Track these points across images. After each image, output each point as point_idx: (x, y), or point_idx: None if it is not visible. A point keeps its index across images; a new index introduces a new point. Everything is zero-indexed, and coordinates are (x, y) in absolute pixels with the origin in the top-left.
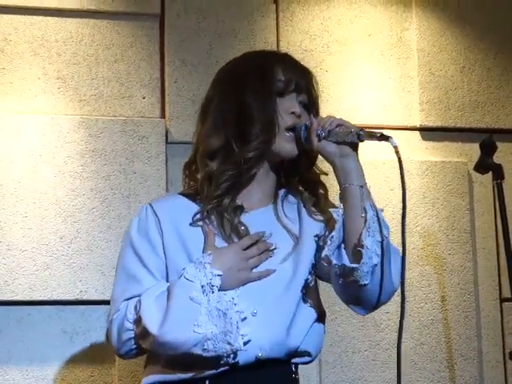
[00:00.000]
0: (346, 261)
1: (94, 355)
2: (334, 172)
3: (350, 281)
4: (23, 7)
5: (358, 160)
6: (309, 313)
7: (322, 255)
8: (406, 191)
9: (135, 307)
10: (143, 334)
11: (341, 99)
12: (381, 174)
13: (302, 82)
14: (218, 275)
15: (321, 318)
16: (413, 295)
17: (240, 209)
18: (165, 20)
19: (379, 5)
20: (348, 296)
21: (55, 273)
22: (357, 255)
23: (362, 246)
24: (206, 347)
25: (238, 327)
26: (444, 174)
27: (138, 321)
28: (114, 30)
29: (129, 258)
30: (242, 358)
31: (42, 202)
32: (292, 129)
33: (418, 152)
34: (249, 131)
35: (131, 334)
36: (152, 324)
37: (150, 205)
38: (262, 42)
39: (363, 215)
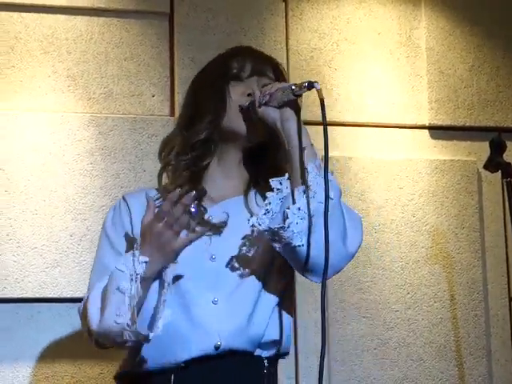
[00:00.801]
0: (271, 223)
1: (104, 352)
2: (280, 137)
3: (284, 244)
4: (33, 5)
5: (299, 121)
6: (270, 299)
7: (250, 224)
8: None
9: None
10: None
11: (350, 98)
12: (389, 172)
13: (261, 65)
14: (144, 262)
15: (285, 304)
16: (422, 294)
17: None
18: (174, 18)
19: (388, 3)
20: (294, 262)
21: (65, 270)
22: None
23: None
24: (126, 338)
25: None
26: (453, 173)
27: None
28: (124, 29)
29: (103, 248)
30: (199, 347)
31: (51, 200)
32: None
33: (427, 151)
34: (197, 117)
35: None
36: (92, 320)
37: (124, 198)
38: (271, 40)
39: (305, 177)
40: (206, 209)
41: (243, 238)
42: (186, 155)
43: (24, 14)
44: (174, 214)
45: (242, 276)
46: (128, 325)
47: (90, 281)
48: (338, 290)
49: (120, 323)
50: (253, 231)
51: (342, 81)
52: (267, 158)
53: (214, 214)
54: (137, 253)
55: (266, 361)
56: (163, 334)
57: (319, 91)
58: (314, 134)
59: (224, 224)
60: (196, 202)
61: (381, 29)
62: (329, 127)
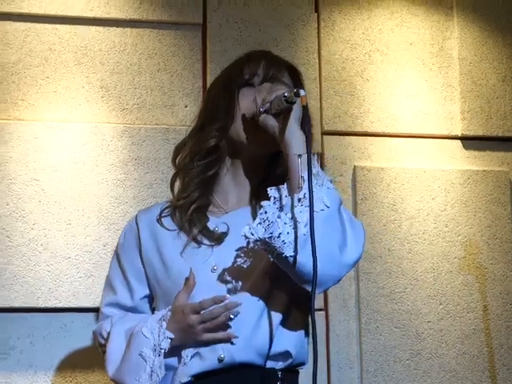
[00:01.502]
0: (265, 233)
1: None
2: (280, 146)
3: (276, 255)
4: (67, 17)
5: (297, 129)
6: (276, 309)
7: (242, 233)
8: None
9: (106, 330)
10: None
11: (382, 108)
12: (422, 182)
13: (274, 71)
14: (169, 338)
15: (295, 314)
16: (454, 305)
17: (203, 209)
18: (207, 29)
19: (420, 14)
20: (288, 272)
21: (98, 280)
22: None
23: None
24: None
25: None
26: (486, 183)
27: (105, 345)
28: (157, 40)
29: (112, 268)
30: (203, 364)
31: (85, 210)
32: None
33: (460, 161)
34: (207, 123)
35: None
36: (110, 366)
37: (136, 217)
38: (303, 51)
39: (301, 185)
40: (236, 315)
41: (241, 249)
42: (196, 162)
43: (58, 26)
44: (212, 314)
45: (243, 287)
46: None
47: (102, 298)
48: (371, 300)
49: None
50: (248, 242)
51: (374, 91)
52: (275, 168)
53: (220, 224)
54: (164, 324)
55: (279, 373)
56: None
57: (303, 98)
58: (347, 143)
59: (224, 235)
60: (239, 310)
61: (413, 39)
62: (361, 137)
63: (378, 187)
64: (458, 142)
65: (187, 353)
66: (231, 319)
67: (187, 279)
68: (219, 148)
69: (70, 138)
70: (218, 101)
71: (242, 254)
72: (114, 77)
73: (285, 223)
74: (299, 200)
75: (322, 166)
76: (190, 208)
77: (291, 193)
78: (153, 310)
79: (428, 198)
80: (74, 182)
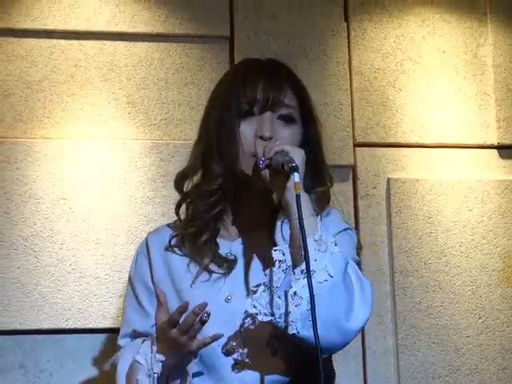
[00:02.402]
0: (262, 314)
1: None
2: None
3: (282, 330)
4: (92, 32)
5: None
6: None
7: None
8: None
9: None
10: None
11: (415, 118)
12: (458, 193)
13: (275, 95)
14: (160, 361)
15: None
16: (494, 318)
17: (213, 239)
18: (234, 42)
19: (453, 21)
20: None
21: None
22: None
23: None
24: None
25: None
26: None
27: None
28: (184, 53)
29: (128, 297)
30: None
31: (113, 229)
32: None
33: (496, 171)
34: (210, 165)
35: None
36: None
37: (146, 238)
38: (333, 61)
39: (302, 252)
40: (209, 315)
41: (258, 285)
42: (201, 202)
43: (83, 42)
44: (187, 322)
45: (255, 322)
46: None
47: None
48: (408, 315)
49: None
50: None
51: (407, 101)
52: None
53: (234, 249)
54: (154, 348)
55: None
56: None
57: (297, 185)
58: (380, 155)
59: (235, 262)
60: (207, 310)
61: (446, 47)
62: (394, 148)
63: (413, 199)
64: (494, 152)
65: None
66: (205, 321)
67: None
68: (223, 188)
69: (97, 155)
70: (217, 135)
71: (255, 285)
72: (140, 92)
73: (287, 302)
74: (302, 272)
75: (355, 179)
76: (201, 238)
77: (293, 260)
78: None
79: (464, 209)
80: (102, 200)
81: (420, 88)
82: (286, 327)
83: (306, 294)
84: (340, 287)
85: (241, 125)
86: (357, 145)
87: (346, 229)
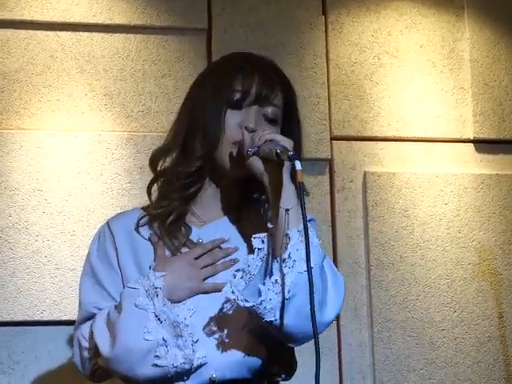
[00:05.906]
0: (242, 300)
1: None
2: (266, 191)
3: (258, 318)
4: (69, 23)
5: (288, 182)
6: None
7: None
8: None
9: (86, 332)
10: (97, 353)
11: (392, 112)
12: (434, 187)
13: (266, 91)
14: (162, 276)
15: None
16: (469, 312)
17: (182, 219)
18: (212, 34)
19: (430, 15)
20: (273, 332)
21: None
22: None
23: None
24: (158, 354)
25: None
26: (499, 188)
27: (91, 339)
28: (161, 45)
29: (85, 277)
30: (194, 381)
31: (90, 220)
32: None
33: (473, 165)
34: (192, 146)
35: (90, 353)
36: (104, 344)
37: (107, 223)
38: (310, 54)
39: (285, 243)
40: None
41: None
42: (177, 181)
43: (60, 33)
44: (212, 259)
45: (234, 307)
46: (164, 339)
47: (77, 318)
48: (383, 308)
49: (151, 340)
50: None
51: (384, 95)
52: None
53: (203, 235)
54: (151, 271)
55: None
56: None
57: (299, 173)
58: (357, 148)
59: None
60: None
61: (423, 41)
62: (371, 142)
63: (389, 193)
64: (471, 146)
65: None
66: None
67: None
68: (201, 171)
69: (73, 146)
70: (203, 117)
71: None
72: (117, 84)
73: (267, 289)
74: (284, 261)
75: (332, 173)
76: (169, 218)
77: (274, 249)
78: None
79: (440, 203)
80: (78, 191)
81: (397, 82)
82: (264, 314)
83: (287, 282)
84: (317, 279)
85: (227, 112)
86: (334, 138)
87: (311, 219)
